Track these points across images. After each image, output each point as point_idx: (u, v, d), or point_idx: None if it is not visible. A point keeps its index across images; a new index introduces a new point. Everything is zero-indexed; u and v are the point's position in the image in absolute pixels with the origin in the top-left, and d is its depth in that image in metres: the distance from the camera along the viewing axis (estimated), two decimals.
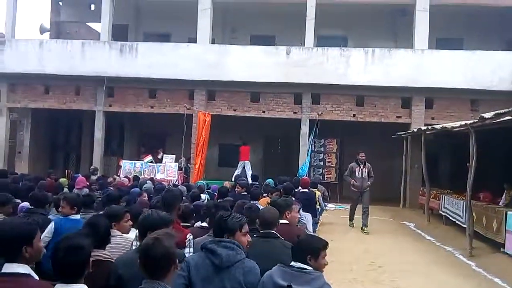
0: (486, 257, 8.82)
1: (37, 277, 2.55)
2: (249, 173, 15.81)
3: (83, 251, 2.46)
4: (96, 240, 3.30)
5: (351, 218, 12.08)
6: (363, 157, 11.53)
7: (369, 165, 11.66)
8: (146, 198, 7.24)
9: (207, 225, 4.75)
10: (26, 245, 2.47)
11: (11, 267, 2.41)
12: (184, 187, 8.96)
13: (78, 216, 5.07)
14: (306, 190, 9.13)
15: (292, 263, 3.02)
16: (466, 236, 9.56)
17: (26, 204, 5.75)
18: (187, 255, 3.66)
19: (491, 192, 11.56)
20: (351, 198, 12.28)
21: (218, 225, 3.25)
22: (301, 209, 6.38)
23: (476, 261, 8.61)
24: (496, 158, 13.55)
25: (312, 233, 6.19)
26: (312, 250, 3.02)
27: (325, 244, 3.09)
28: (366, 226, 11.40)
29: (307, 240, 3.15)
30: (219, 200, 6.91)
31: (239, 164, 16.77)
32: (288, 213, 4.68)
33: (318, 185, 11.24)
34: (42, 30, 21.14)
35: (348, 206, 15.50)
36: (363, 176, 11.46)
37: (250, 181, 11.88)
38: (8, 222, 2.75)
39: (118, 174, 14.19)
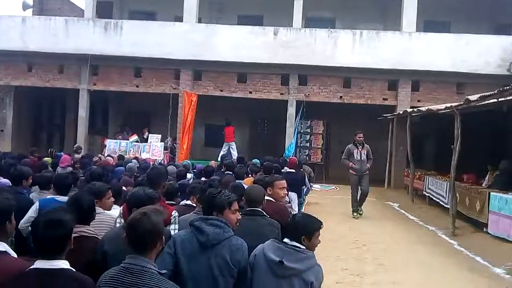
0: (468, 237, 8.97)
1: (14, 254, 2.50)
2: (234, 153, 15.79)
3: (63, 225, 2.39)
4: (80, 216, 3.27)
5: (354, 208, 10.93)
6: (360, 138, 10.76)
7: (368, 146, 10.95)
8: (130, 177, 7.19)
9: (191, 204, 4.74)
10: (8, 221, 2.47)
11: None
12: (173, 167, 8.91)
13: (66, 198, 4.98)
14: (293, 170, 9.14)
15: (286, 240, 3.04)
16: (449, 216, 9.71)
17: (6, 180, 5.64)
18: (172, 231, 3.65)
19: (475, 174, 11.70)
20: (349, 182, 11.21)
21: (207, 202, 3.20)
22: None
23: (458, 240, 8.76)
24: (480, 140, 13.69)
25: (306, 213, 6.23)
26: (308, 231, 3.04)
27: (320, 225, 3.11)
28: (361, 208, 10.99)
29: (303, 221, 3.13)
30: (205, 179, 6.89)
31: (223, 145, 16.72)
32: (270, 189, 4.70)
33: (304, 165, 11.25)
34: (25, 7, 20.69)
35: (334, 187, 15.67)
36: (362, 158, 10.70)
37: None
38: None
39: (103, 153, 14.06)
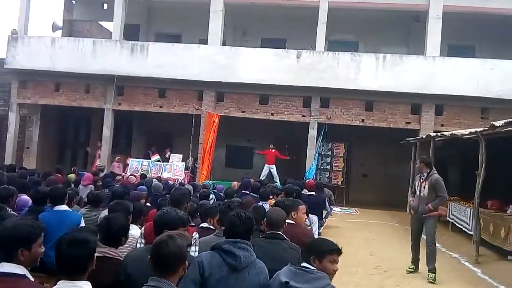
0: (492, 265, 8.75)
1: (32, 279, 2.50)
2: (264, 174, 16.16)
3: (87, 245, 2.45)
4: (109, 238, 3.30)
5: (413, 256, 8.05)
6: (416, 166, 8.37)
7: (436, 178, 7.73)
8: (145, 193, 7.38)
9: (209, 226, 4.68)
10: (24, 248, 2.41)
11: (7, 267, 2.37)
12: (190, 186, 8.97)
13: (65, 207, 5.04)
14: (313, 193, 9.12)
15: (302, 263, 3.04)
16: (473, 243, 9.49)
17: (26, 198, 5.72)
18: (192, 253, 3.65)
19: (499, 200, 11.45)
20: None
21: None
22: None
23: (482, 268, 8.53)
24: (505, 166, 13.41)
25: (324, 238, 6.20)
26: (316, 251, 3.02)
27: (332, 249, 3.04)
28: (432, 271, 7.54)
29: (315, 242, 3.15)
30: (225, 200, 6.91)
31: (265, 167, 17.36)
32: (294, 213, 4.70)
33: (324, 188, 11.18)
34: (55, 28, 21.30)
35: (355, 210, 15.46)
36: (421, 193, 7.72)
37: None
38: (12, 221, 2.62)
39: (125, 172, 14.24)
